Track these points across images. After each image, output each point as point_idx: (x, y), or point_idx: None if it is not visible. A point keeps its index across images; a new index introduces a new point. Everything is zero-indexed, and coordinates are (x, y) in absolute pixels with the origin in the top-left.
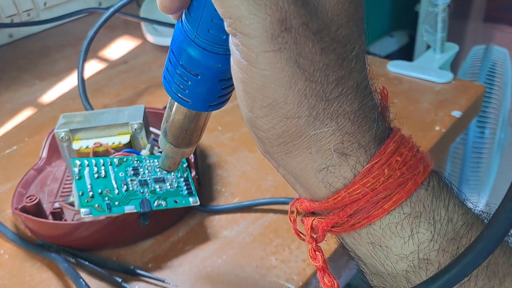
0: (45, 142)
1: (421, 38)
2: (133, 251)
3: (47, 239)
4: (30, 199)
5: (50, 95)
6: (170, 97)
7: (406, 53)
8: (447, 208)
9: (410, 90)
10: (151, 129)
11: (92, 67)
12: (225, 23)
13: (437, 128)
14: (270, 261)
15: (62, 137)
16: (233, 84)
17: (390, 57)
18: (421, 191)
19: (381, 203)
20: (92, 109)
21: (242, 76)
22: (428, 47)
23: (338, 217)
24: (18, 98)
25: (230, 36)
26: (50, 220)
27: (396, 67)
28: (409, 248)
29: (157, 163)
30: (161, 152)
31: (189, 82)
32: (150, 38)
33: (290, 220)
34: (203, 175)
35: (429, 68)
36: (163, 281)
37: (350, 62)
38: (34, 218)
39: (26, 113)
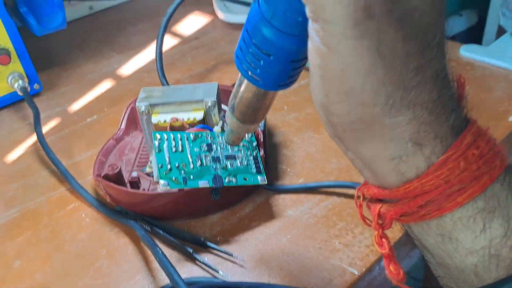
0: (124, 114)
1: (492, 19)
2: (203, 223)
3: (125, 206)
4: (113, 168)
5: (127, 68)
6: (240, 75)
7: (475, 34)
8: None
9: (483, 77)
10: (223, 106)
11: (165, 42)
12: (306, 8)
13: (510, 119)
14: (334, 244)
15: (142, 111)
16: (302, 66)
17: (458, 37)
18: (496, 185)
19: (454, 196)
20: (168, 84)
21: (320, 62)
22: (499, 29)
23: (408, 206)
24: (99, 70)
25: (310, 21)
26: (128, 187)
27: (469, 52)
28: (480, 243)
29: None
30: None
31: (261, 62)
32: (220, 15)
33: (356, 204)
34: (269, 154)
35: (504, 54)
36: (231, 255)
37: (431, 50)
38: (114, 185)
39: (105, 84)
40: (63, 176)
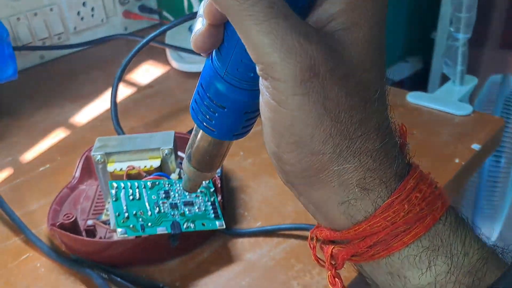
0: (79, 162)
1: (436, 67)
2: (161, 270)
3: (81, 255)
4: (68, 217)
5: (80, 117)
6: (196, 126)
7: (420, 79)
8: (464, 243)
9: (429, 121)
10: (179, 153)
11: (118, 90)
12: (257, 67)
13: (457, 160)
14: (292, 286)
15: (98, 160)
16: (256, 116)
17: (404, 82)
18: (439, 226)
19: (401, 236)
20: (124, 133)
21: (270, 115)
22: (443, 75)
23: (358, 247)
24: (51, 119)
25: (261, 78)
26: (84, 236)
27: (415, 98)
28: (427, 279)
29: None
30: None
31: (216, 114)
32: (174, 64)
33: (310, 246)
34: (227, 199)
35: (448, 100)
36: None
37: (372, 103)
38: (70, 234)
39: (58, 133)
40: (16, 225)
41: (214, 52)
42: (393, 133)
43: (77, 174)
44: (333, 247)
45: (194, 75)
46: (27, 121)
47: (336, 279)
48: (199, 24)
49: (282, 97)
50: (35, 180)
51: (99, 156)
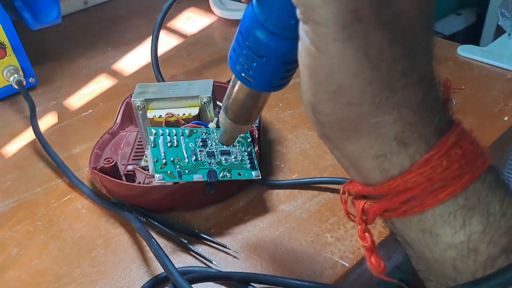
0: (120, 108)
1: (491, 19)
2: (197, 216)
3: (121, 198)
4: (108, 161)
5: (122, 63)
6: (233, 76)
7: (473, 33)
8: (502, 203)
9: (480, 76)
10: (218, 102)
11: (160, 38)
12: (297, 10)
13: (506, 118)
14: (326, 238)
15: (138, 106)
16: (295, 68)
17: (456, 36)
18: (477, 184)
19: (436, 193)
20: (164, 80)
21: (309, 61)
22: (498, 28)
23: (390, 202)
24: (94, 64)
25: (301, 22)
26: (124, 180)
27: (466, 52)
28: (460, 238)
29: None
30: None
31: (254, 63)
32: (216, 11)
33: (341, 201)
34: (264, 150)
35: (502, 54)
36: (225, 246)
37: (417, 54)
38: (110, 178)
39: (100, 79)
40: (59, 168)
41: None
42: (437, 87)
43: (118, 120)
44: (365, 202)
45: (236, 22)
46: (70, 66)
47: (366, 233)
48: None
49: (322, 43)
50: (78, 125)
51: (139, 102)
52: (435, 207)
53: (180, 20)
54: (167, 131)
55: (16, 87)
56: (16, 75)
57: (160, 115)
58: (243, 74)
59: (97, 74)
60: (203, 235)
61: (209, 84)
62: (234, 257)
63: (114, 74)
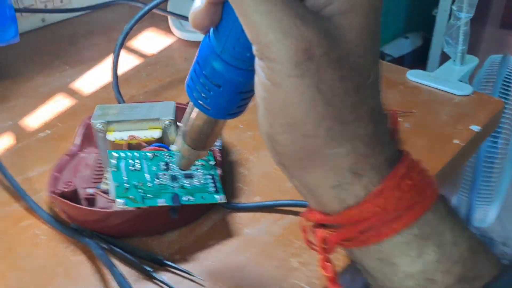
0: (78, 130)
1: (436, 43)
2: (160, 241)
3: (81, 224)
4: (68, 184)
5: (80, 82)
6: (190, 103)
7: (420, 55)
8: (453, 232)
9: (429, 100)
10: (179, 124)
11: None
12: (253, 47)
13: (456, 141)
14: (291, 263)
15: (98, 128)
16: (251, 96)
17: (404, 58)
18: (429, 214)
19: (391, 223)
20: (124, 101)
21: (265, 95)
22: (443, 52)
23: (349, 231)
24: (51, 83)
25: (256, 58)
26: (85, 204)
27: (415, 77)
28: (416, 267)
29: None
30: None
31: (211, 92)
32: (176, 32)
33: (301, 229)
34: (226, 172)
35: (448, 79)
36: (190, 274)
37: (365, 89)
38: (70, 203)
39: (58, 99)
40: (16, 191)
41: (211, 30)
42: (386, 119)
43: (77, 141)
44: (325, 231)
45: (196, 44)
46: (27, 84)
47: (327, 263)
48: (198, 2)
49: (276, 78)
50: (35, 146)
51: (99, 124)
52: (391, 237)
53: (139, 39)
54: (129, 154)
55: None
56: None
57: (121, 138)
58: (200, 102)
59: (55, 93)
60: (167, 262)
61: (170, 106)
62: (200, 284)
63: (72, 93)
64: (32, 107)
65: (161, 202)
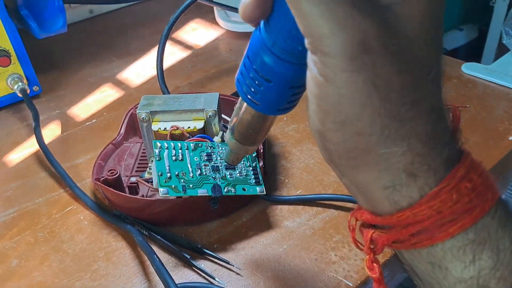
0: (124, 119)
1: (493, 36)
2: (200, 231)
3: (123, 211)
4: (112, 172)
5: (126, 73)
6: (240, 98)
7: (475, 48)
8: None
9: (484, 95)
10: (223, 115)
11: (165, 49)
12: (305, 40)
13: (510, 138)
14: (330, 256)
15: (143, 118)
16: (302, 92)
17: (458, 51)
18: (487, 218)
19: (446, 227)
20: (168, 91)
21: (317, 91)
22: (500, 45)
23: (400, 234)
24: (98, 74)
25: (309, 52)
26: (127, 192)
27: (471, 70)
28: (469, 273)
29: None
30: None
31: (261, 87)
32: (221, 23)
33: (349, 228)
34: (268, 165)
35: (506, 73)
36: (228, 263)
37: (426, 84)
38: (113, 190)
39: (104, 89)
40: (62, 178)
41: (262, 22)
42: (446, 117)
43: (122, 130)
44: (374, 232)
45: (241, 35)
46: (74, 75)
47: (374, 264)
48: None
49: (330, 73)
50: (81, 134)
51: (144, 114)
52: (445, 241)
53: (185, 31)
54: (172, 144)
55: (20, 95)
56: (20, 83)
57: (165, 128)
58: (249, 97)
59: (102, 84)
60: (206, 250)
61: (214, 97)
62: (237, 273)
63: (119, 84)
64: (79, 97)
65: (202, 192)
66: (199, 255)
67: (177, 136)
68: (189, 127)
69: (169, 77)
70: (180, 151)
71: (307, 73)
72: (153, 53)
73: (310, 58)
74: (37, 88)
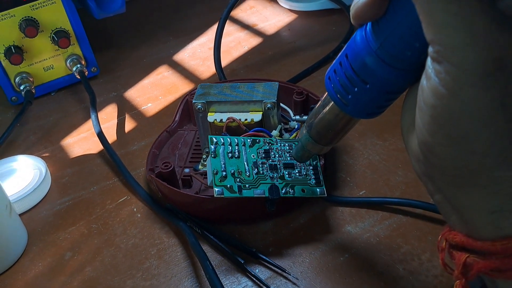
0: (179, 107)
1: None
2: (254, 231)
3: (176, 205)
4: (166, 165)
5: (182, 54)
6: (325, 95)
7: None
8: None
9: None
10: (281, 105)
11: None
12: (431, 48)
13: None
14: (397, 270)
15: (199, 108)
16: (395, 98)
17: None
18: None
19: None
20: (224, 76)
21: (435, 102)
22: None
23: (502, 263)
24: (155, 54)
25: (431, 61)
26: (180, 185)
27: None
28: None
29: (287, 147)
30: (292, 135)
31: (356, 88)
32: (281, 1)
33: (438, 249)
34: (328, 161)
35: None
36: (284, 271)
37: None
38: (167, 185)
39: (160, 70)
40: (117, 166)
41: (369, 23)
42: None
43: (177, 118)
44: (468, 256)
45: (300, 14)
46: (131, 54)
47: None
48: None
49: (455, 86)
50: (137, 119)
51: (200, 104)
52: None
53: (242, 9)
54: (228, 140)
55: (78, 77)
56: (79, 65)
57: (221, 119)
58: (339, 97)
59: (158, 65)
60: (261, 255)
61: (274, 88)
62: (294, 283)
63: (175, 65)
64: (135, 79)
65: (259, 193)
66: (253, 258)
67: (233, 129)
68: (246, 120)
69: (224, 59)
70: (236, 147)
71: (424, 83)
72: (210, 33)
73: (432, 67)
74: (95, 69)
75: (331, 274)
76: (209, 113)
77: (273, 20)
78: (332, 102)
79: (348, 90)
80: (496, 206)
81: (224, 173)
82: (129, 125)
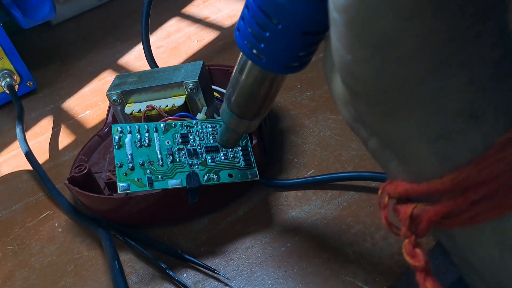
0: (110, 107)
1: None
2: (187, 231)
3: (98, 213)
4: (79, 168)
5: (128, 57)
6: (239, 59)
7: None
8: None
9: None
10: (214, 87)
11: (172, 25)
12: None
13: None
14: (346, 254)
15: (114, 100)
16: (317, 42)
17: None
18: None
19: None
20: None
21: (345, 2)
22: None
23: (455, 203)
24: (100, 61)
25: None
26: (105, 191)
27: None
28: None
29: (210, 129)
30: (220, 116)
31: (267, 33)
32: None
33: (380, 206)
34: (272, 142)
35: None
36: (213, 271)
37: None
38: (78, 190)
39: (103, 76)
40: (41, 180)
41: None
42: None
43: (109, 119)
44: (415, 206)
45: None
46: (75, 65)
47: (417, 249)
48: None
49: None
50: (73, 128)
51: (115, 95)
52: None
53: (194, 4)
54: (136, 127)
55: (7, 91)
56: (8, 79)
57: (139, 110)
58: (251, 48)
59: (101, 71)
60: (187, 256)
61: (197, 67)
62: (225, 284)
63: (119, 69)
64: (76, 88)
65: (174, 184)
66: (182, 262)
67: (154, 118)
68: (167, 106)
69: (173, 56)
70: (147, 134)
71: None
72: (159, 32)
73: None
74: (32, 83)
75: (269, 268)
76: (127, 105)
77: (226, 10)
78: (249, 63)
79: (259, 37)
80: (439, 130)
81: (130, 165)
82: (63, 135)
